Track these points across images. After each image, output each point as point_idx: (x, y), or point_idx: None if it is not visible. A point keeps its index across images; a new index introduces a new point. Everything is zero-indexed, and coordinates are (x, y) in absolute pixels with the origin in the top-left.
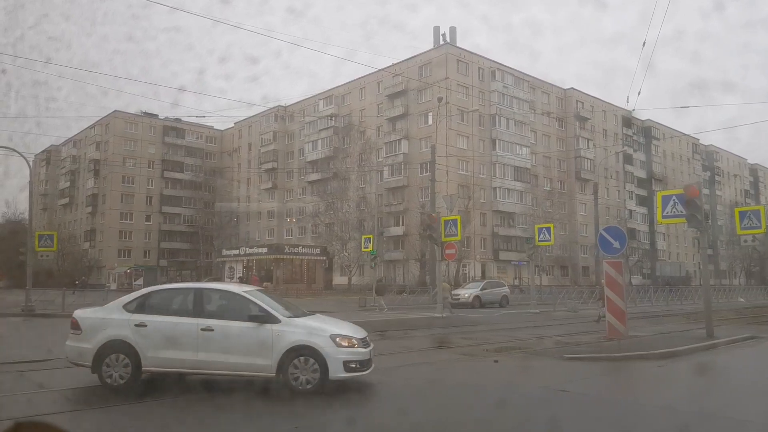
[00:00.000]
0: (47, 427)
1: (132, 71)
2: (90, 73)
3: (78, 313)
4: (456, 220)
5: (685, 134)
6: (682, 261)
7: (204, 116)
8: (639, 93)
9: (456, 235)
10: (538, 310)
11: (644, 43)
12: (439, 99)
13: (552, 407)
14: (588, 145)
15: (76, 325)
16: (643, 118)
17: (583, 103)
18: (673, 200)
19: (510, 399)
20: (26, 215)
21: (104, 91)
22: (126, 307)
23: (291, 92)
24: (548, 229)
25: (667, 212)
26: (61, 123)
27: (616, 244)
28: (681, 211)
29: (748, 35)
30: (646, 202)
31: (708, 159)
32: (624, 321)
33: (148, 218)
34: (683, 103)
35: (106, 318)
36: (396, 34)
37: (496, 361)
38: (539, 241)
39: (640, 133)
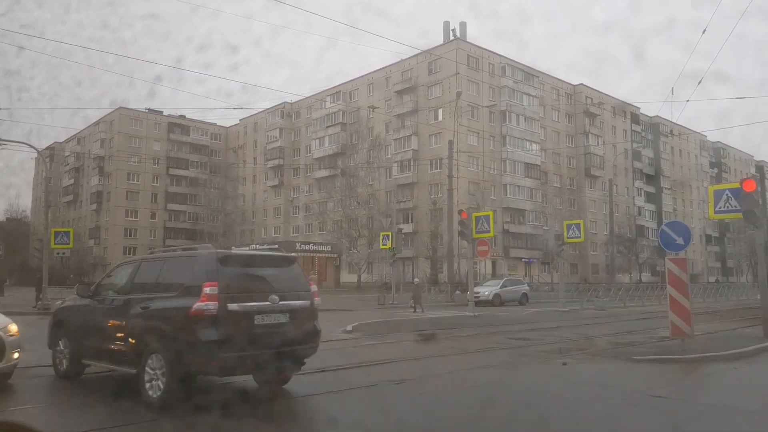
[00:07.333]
0: (18, 426)
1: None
2: (100, 63)
3: None
4: (488, 216)
5: (693, 131)
6: (690, 258)
7: (236, 107)
8: (699, 82)
9: (488, 231)
10: (567, 308)
11: (704, 30)
12: (458, 93)
13: (664, 416)
14: (597, 142)
15: None
16: (650, 115)
17: (592, 99)
18: (726, 194)
19: (613, 406)
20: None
21: (104, 84)
22: None
23: (294, 90)
24: (578, 225)
25: (720, 207)
26: (77, 118)
27: (680, 240)
28: (735, 206)
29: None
30: (654, 198)
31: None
32: (689, 320)
33: (153, 215)
34: (688, 96)
35: None
36: (381, 21)
37: (564, 364)
38: (568, 237)
39: (648, 130)
